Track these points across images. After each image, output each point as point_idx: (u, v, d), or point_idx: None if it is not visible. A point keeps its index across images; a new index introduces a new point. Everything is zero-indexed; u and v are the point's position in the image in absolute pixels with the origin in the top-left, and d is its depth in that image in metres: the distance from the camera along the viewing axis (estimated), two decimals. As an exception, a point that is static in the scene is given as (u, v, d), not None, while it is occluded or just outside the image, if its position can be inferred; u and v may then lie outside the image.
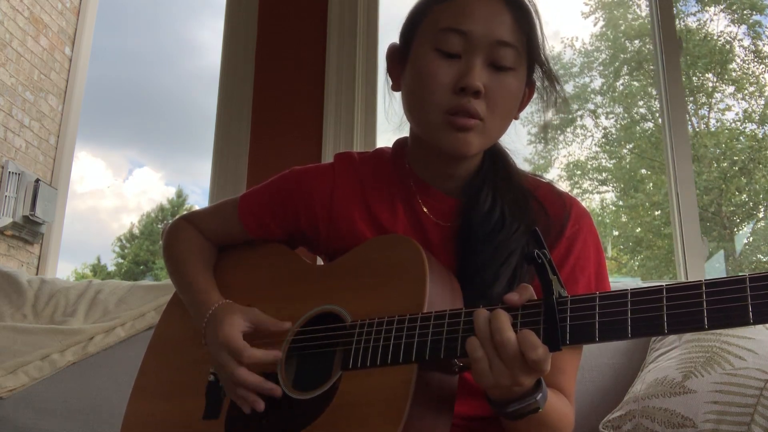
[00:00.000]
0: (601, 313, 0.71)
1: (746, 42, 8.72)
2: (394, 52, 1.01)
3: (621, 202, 9.27)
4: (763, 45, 8.69)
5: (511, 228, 0.93)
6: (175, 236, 1.13)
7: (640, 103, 9.18)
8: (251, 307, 0.97)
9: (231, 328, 0.92)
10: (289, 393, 0.89)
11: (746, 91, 8.65)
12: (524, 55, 0.93)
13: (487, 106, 0.90)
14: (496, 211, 0.95)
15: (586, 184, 9.21)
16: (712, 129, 8.61)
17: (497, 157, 1.01)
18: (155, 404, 1.02)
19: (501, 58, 0.90)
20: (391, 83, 1.02)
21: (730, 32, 8.70)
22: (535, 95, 1.01)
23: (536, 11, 0.96)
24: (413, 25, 0.97)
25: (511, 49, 0.91)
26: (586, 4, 9.62)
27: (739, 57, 8.79)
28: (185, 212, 1.21)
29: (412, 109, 0.96)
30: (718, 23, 8.81)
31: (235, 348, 0.90)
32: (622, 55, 9.44)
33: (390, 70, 1.03)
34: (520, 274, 0.91)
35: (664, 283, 0.70)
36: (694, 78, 8.63)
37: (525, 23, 0.93)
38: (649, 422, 1.19)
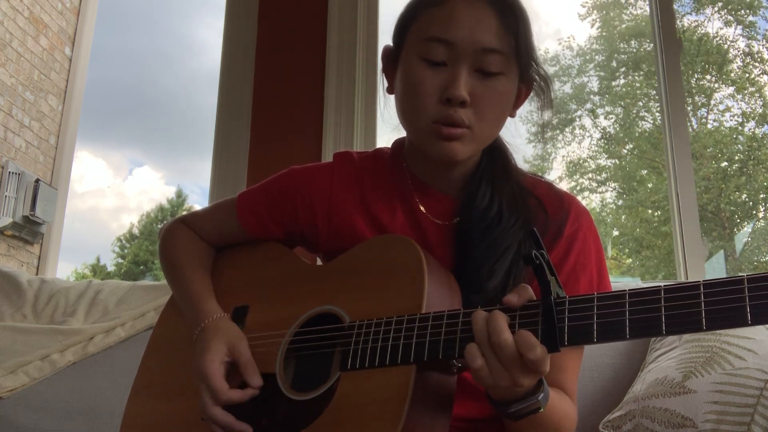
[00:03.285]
0: (599, 313, 0.71)
1: (742, 43, 8.72)
2: (388, 54, 1.01)
3: (621, 202, 9.26)
4: (759, 46, 8.69)
5: (508, 223, 0.94)
6: (171, 239, 1.12)
7: (639, 104, 9.17)
8: (242, 336, 0.95)
9: (212, 359, 0.91)
10: (287, 394, 0.89)
11: (746, 92, 8.64)
12: (513, 57, 0.92)
13: (475, 113, 0.90)
14: (494, 207, 0.95)
15: (585, 184, 9.22)
16: (711, 129, 8.61)
17: (496, 153, 1.01)
18: (154, 405, 1.02)
19: (488, 64, 0.90)
20: (386, 84, 1.02)
21: (727, 33, 8.71)
22: (532, 93, 1.01)
23: (523, 11, 0.94)
24: (403, 28, 0.98)
25: (497, 55, 0.90)
26: (583, 6, 9.63)
27: (738, 58, 8.79)
28: (182, 214, 1.20)
29: (403, 115, 0.97)
30: (713, 24, 8.81)
31: (212, 387, 0.89)
32: (620, 56, 9.43)
33: (385, 72, 1.03)
34: (517, 270, 0.91)
35: (662, 284, 0.70)
36: (692, 79, 8.62)
37: (513, 24, 0.92)
38: (649, 422, 1.19)
